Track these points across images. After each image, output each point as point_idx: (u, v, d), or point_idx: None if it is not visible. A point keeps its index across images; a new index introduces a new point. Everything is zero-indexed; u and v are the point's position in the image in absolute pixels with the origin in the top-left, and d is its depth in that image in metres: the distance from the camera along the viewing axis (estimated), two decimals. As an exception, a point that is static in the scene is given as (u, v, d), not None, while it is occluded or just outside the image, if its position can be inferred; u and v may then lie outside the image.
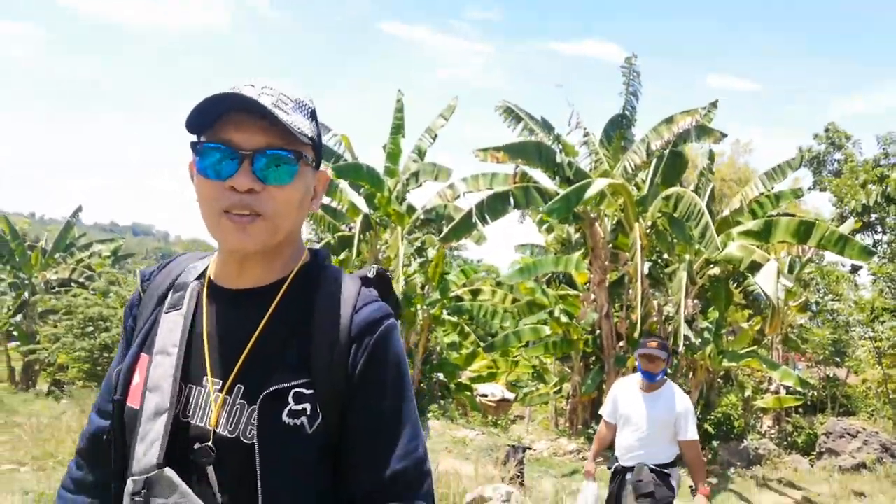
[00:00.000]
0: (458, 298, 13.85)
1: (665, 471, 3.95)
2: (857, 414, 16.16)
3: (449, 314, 13.54)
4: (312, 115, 1.06)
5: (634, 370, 10.09)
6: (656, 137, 10.20)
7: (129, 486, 0.99)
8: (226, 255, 1.07)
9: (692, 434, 3.93)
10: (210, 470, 0.96)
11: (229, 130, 0.99)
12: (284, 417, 0.96)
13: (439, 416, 12.55)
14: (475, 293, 14.14)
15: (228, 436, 0.97)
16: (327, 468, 1.01)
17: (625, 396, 4.12)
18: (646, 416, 3.97)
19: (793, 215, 11.79)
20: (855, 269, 20.05)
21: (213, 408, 0.99)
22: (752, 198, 11.20)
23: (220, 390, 1.00)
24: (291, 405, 0.97)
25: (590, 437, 10.68)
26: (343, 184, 12.55)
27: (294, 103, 1.03)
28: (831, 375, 16.41)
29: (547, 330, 11.71)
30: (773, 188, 11.22)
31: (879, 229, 18.67)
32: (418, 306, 12.74)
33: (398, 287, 11.12)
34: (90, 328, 16.94)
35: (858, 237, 25.01)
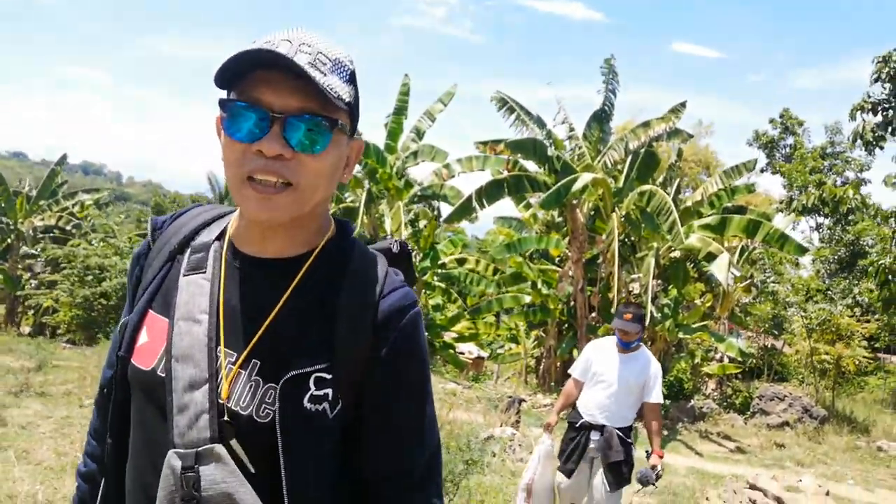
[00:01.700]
0: (444, 266, 15.30)
1: (628, 439, 4.05)
2: (789, 380, 18.38)
3: (438, 281, 15.01)
4: (351, 78, 0.97)
5: (608, 334, 11.82)
6: (634, 138, 11.68)
7: (173, 459, 0.92)
8: (249, 222, 1.00)
9: (657, 397, 4.04)
10: (235, 444, 0.92)
11: (261, 89, 0.91)
12: (306, 403, 0.93)
13: (428, 372, 14.11)
14: (461, 262, 15.62)
15: (241, 412, 0.93)
16: (344, 452, 0.98)
17: (600, 356, 4.18)
18: (618, 376, 4.06)
19: (745, 209, 13.51)
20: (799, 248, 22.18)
21: (223, 380, 0.94)
22: (712, 192, 12.85)
23: (234, 363, 0.95)
24: (313, 390, 0.93)
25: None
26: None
27: (332, 63, 0.94)
28: (769, 346, 18.56)
29: (527, 299, 13.29)
30: (730, 186, 12.85)
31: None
32: (411, 273, 14.13)
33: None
34: (89, 276, 17.90)
35: (806, 220, 27.08)
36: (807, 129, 31.20)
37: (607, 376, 4.08)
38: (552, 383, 13.06)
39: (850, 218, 14.60)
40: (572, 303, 12.60)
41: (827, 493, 4.68)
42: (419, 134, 13.91)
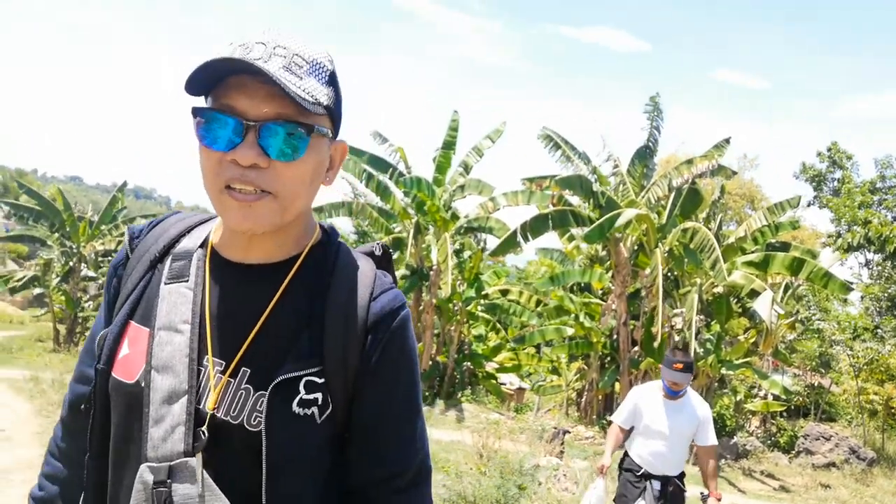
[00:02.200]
0: (488, 296, 15.61)
1: (683, 486, 4.13)
2: (837, 420, 18.04)
3: (482, 311, 15.31)
4: (331, 79, 0.94)
5: (647, 371, 11.87)
6: (677, 175, 11.90)
7: (145, 473, 0.90)
8: (231, 229, 0.98)
9: (712, 440, 4.05)
10: (199, 456, 0.90)
11: (234, 95, 0.88)
12: (295, 407, 0.91)
13: (471, 400, 14.36)
14: (504, 292, 15.90)
15: (231, 421, 0.91)
16: (332, 456, 0.97)
17: (647, 406, 4.15)
18: (669, 426, 4.05)
19: (789, 245, 13.53)
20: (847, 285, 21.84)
21: (211, 390, 0.92)
22: (756, 228, 12.94)
23: (223, 372, 0.93)
24: (302, 394, 0.91)
25: (603, 427, 12.50)
26: (393, 188, 14.24)
27: (309, 65, 0.91)
28: (816, 385, 18.27)
29: (570, 331, 13.49)
30: (774, 222, 12.92)
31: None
32: (456, 302, 14.49)
33: (447, 288, 12.88)
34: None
35: (854, 256, 26.78)
36: (855, 163, 30.83)
37: (659, 426, 4.07)
38: (594, 416, 13.17)
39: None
40: (615, 336, 12.75)
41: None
42: (466, 169, 14.35)
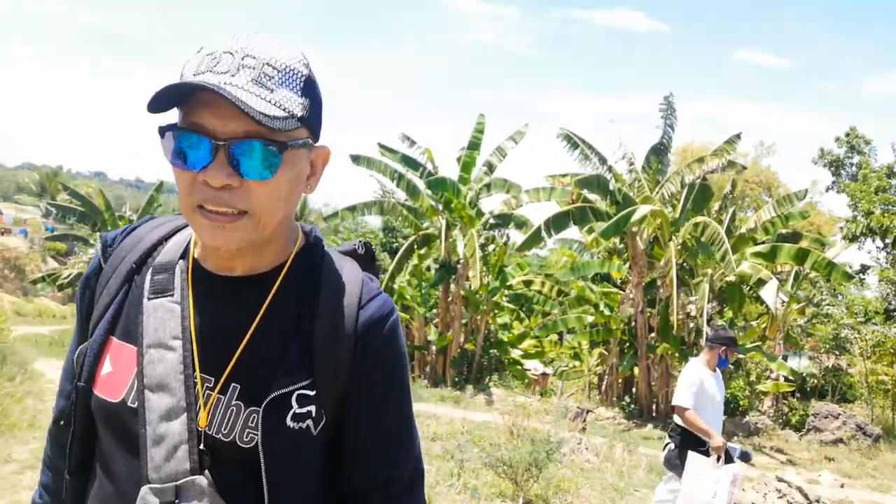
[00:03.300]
0: (512, 287, 16.53)
1: None
2: (852, 401, 18.73)
3: (507, 301, 16.25)
4: (306, 86, 0.88)
5: (664, 356, 12.76)
6: (689, 173, 12.70)
7: (148, 496, 0.88)
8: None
9: None
10: (207, 473, 0.89)
11: (202, 113, 0.84)
12: (289, 422, 0.90)
13: (498, 385, 15.35)
14: (527, 283, 16.81)
15: (223, 439, 0.90)
16: (327, 465, 0.96)
17: (707, 381, 4.52)
18: (721, 395, 4.64)
19: (800, 235, 14.25)
20: (864, 269, 22.48)
21: (201, 408, 0.90)
22: (766, 219, 13.68)
23: (212, 388, 0.91)
24: (295, 408, 0.90)
25: (623, 407, 13.42)
26: (422, 187, 15.18)
27: (281, 74, 0.85)
28: (831, 366, 18.96)
29: (590, 319, 14.37)
30: (783, 213, 13.64)
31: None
32: (482, 293, 15.42)
33: (474, 280, 13.82)
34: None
35: (868, 242, 27.19)
36: (874, 148, 31.12)
37: (719, 397, 4.57)
38: (614, 398, 14.08)
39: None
40: (633, 323, 13.61)
41: (842, 486, 5.67)
42: (491, 168, 15.24)
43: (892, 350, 15.46)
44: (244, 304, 0.95)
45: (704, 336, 11.78)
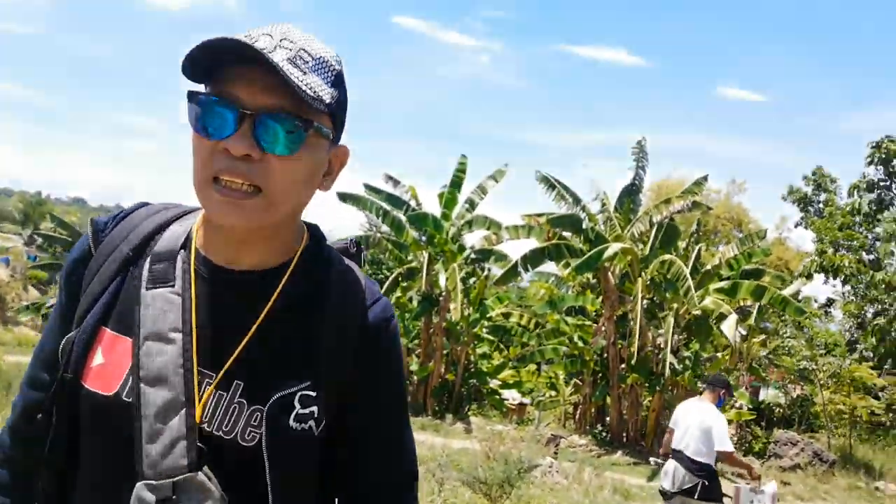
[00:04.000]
0: (492, 319, 17.23)
1: None
2: (820, 430, 19.54)
3: (487, 333, 16.95)
4: (336, 80, 0.91)
5: (633, 386, 13.45)
6: (657, 213, 13.60)
7: (143, 492, 0.85)
8: (217, 230, 0.94)
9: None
10: (206, 470, 0.87)
11: (235, 84, 0.85)
12: (292, 422, 0.90)
13: (477, 414, 15.96)
14: (506, 315, 17.53)
15: (224, 436, 0.89)
16: (328, 466, 0.97)
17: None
18: None
19: (762, 271, 15.16)
20: (830, 302, 23.51)
21: (198, 403, 0.89)
22: (729, 257, 14.58)
23: (211, 384, 0.90)
24: (298, 409, 0.91)
25: (595, 435, 14.07)
26: (406, 223, 15.94)
27: (315, 62, 0.88)
28: (796, 396, 19.80)
29: (565, 350, 15.10)
30: (745, 251, 14.54)
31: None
32: (463, 325, 16.10)
33: (456, 312, 14.53)
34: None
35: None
36: (839, 186, 32.58)
37: None
38: (587, 426, 14.75)
39: (859, 279, 16.04)
40: (605, 355, 14.36)
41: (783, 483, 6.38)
42: (472, 206, 16.07)
43: (847, 381, 16.34)
44: (248, 300, 0.93)
45: (669, 366, 12.56)
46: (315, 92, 0.86)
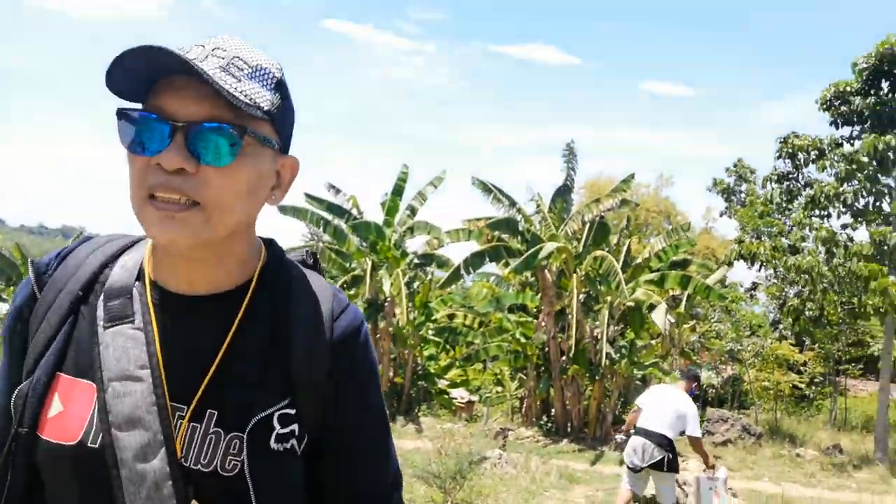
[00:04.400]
0: (437, 321, 17.70)
1: None
2: (750, 406, 20.81)
3: (432, 335, 17.40)
4: (277, 86, 0.88)
5: (574, 377, 14.13)
6: (588, 212, 14.34)
7: None
8: (165, 253, 0.90)
9: None
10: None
11: (163, 96, 0.81)
12: (273, 444, 0.88)
13: (427, 415, 16.39)
14: (451, 317, 18.02)
15: (203, 469, 0.86)
16: (310, 481, 0.95)
17: None
18: None
19: (688, 261, 16.11)
20: (755, 286, 24.94)
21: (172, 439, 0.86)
22: (658, 249, 15.47)
23: (184, 417, 0.87)
24: (278, 429, 0.89)
25: (541, 426, 14.71)
26: (348, 231, 16.25)
27: (252, 69, 0.85)
28: (727, 377, 21.04)
29: (509, 347, 15.70)
30: (672, 243, 15.46)
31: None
32: (409, 329, 16.51)
33: (401, 317, 14.91)
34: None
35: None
36: (757, 177, 34.48)
37: None
38: (533, 418, 15.39)
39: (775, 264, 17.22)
40: (547, 349, 15.02)
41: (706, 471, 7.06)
42: (413, 212, 16.50)
43: (771, 359, 17.56)
44: (212, 326, 0.91)
45: (605, 355, 13.29)
46: (251, 98, 0.84)
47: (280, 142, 0.92)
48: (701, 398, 18.76)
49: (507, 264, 17.51)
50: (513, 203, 14.77)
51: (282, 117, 0.90)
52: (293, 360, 0.92)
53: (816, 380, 20.21)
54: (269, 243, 1.01)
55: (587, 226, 14.53)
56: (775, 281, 25.41)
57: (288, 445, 0.90)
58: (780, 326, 19.25)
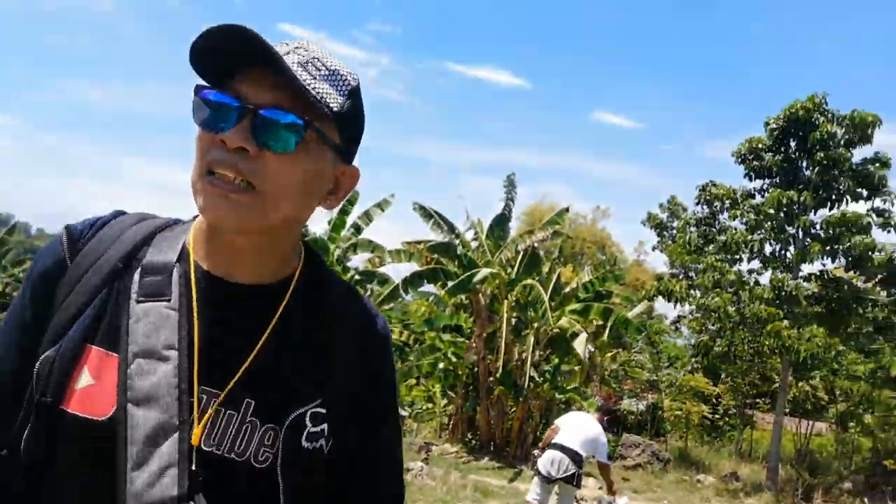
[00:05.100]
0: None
1: None
2: (664, 434, 22.00)
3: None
4: (350, 94, 0.90)
5: (499, 397, 14.90)
6: (522, 241, 15.23)
7: None
8: (212, 236, 0.92)
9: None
10: (199, 498, 0.82)
11: (243, 82, 0.85)
12: (304, 442, 0.90)
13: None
14: (387, 333, 18.61)
15: (236, 458, 0.86)
16: (331, 484, 0.96)
17: None
18: None
19: (611, 294, 17.17)
20: (679, 318, 26.33)
21: (199, 423, 0.85)
22: (586, 280, 16.46)
23: (219, 404, 0.87)
24: (310, 427, 0.90)
25: (466, 443, 15.40)
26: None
27: (329, 71, 0.88)
28: (647, 405, 22.20)
29: (441, 366, 16.38)
30: (599, 275, 16.48)
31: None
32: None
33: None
34: None
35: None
36: (687, 214, 36.40)
37: None
38: (459, 435, 16.08)
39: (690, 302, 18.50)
40: (476, 369, 15.77)
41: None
42: (358, 230, 17.10)
43: (686, 389, 18.75)
44: (252, 315, 0.92)
45: (529, 378, 14.11)
46: (321, 96, 0.86)
47: (344, 149, 0.93)
48: (621, 424, 19.84)
49: (444, 286, 18.29)
50: (452, 228, 15.54)
51: (349, 124, 0.92)
52: (328, 362, 0.95)
53: (731, 412, 21.56)
54: (311, 249, 1.03)
55: (520, 254, 15.41)
56: (697, 316, 26.96)
57: (317, 444, 0.92)
58: (692, 360, 20.54)
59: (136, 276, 0.91)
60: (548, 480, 7.09)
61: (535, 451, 8.72)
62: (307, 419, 0.91)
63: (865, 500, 12.26)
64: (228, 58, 0.85)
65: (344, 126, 0.92)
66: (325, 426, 0.92)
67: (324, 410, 0.92)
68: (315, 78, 0.87)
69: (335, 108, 0.88)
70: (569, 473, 6.96)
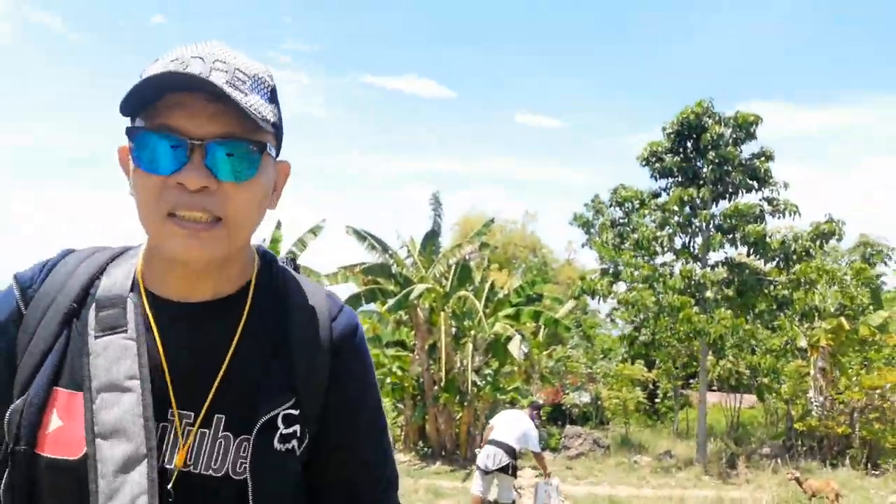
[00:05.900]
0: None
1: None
2: (606, 423, 23.21)
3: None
4: (272, 95, 0.91)
5: (446, 404, 15.67)
6: (453, 256, 16.09)
7: None
8: (170, 264, 0.91)
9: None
10: None
11: (175, 115, 0.82)
12: (276, 444, 0.90)
13: (312, 448, 17.37)
14: (333, 354, 19.15)
15: (214, 475, 0.88)
16: (306, 483, 0.97)
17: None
18: None
19: (541, 297, 18.22)
20: (613, 311, 27.67)
21: (181, 447, 0.88)
22: (516, 286, 17.46)
23: (192, 424, 0.89)
24: (282, 429, 0.91)
25: (417, 451, 16.10)
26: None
27: (252, 81, 0.87)
28: (590, 397, 23.39)
29: (388, 380, 17.06)
30: (529, 279, 17.51)
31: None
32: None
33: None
34: None
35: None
36: (608, 212, 38.18)
37: None
38: (411, 444, 16.78)
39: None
40: (421, 380, 16.51)
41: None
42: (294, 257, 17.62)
43: (622, 378, 19.99)
44: (214, 332, 0.93)
45: (472, 383, 14.95)
46: (260, 113, 0.86)
47: (277, 150, 0.94)
48: (566, 416, 20.93)
49: (384, 304, 18.97)
50: (385, 248, 16.27)
51: (281, 127, 0.93)
52: (295, 361, 0.94)
53: (669, 394, 22.95)
54: (261, 250, 1.03)
55: (452, 268, 16.27)
56: (622, 309, 28.46)
57: (290, 445, 0.92)
58: (624, 350, 21.85)
59: (92, 312, 0.92)
60: (486, 472, 7.92)
61: (477, 449, 9.66)
62: (279, 420, 0.92)
63: (778, 460, 13.59)
64: (156, 90, 0.83)
65: (279, 132, 0.93)
66: (297, 427, 0.93)
67: (297, 412, 0.93)
68: (245, 93, 0.86)
69: (273, 120, 0.90)
70: (503, 465, 7.82)
